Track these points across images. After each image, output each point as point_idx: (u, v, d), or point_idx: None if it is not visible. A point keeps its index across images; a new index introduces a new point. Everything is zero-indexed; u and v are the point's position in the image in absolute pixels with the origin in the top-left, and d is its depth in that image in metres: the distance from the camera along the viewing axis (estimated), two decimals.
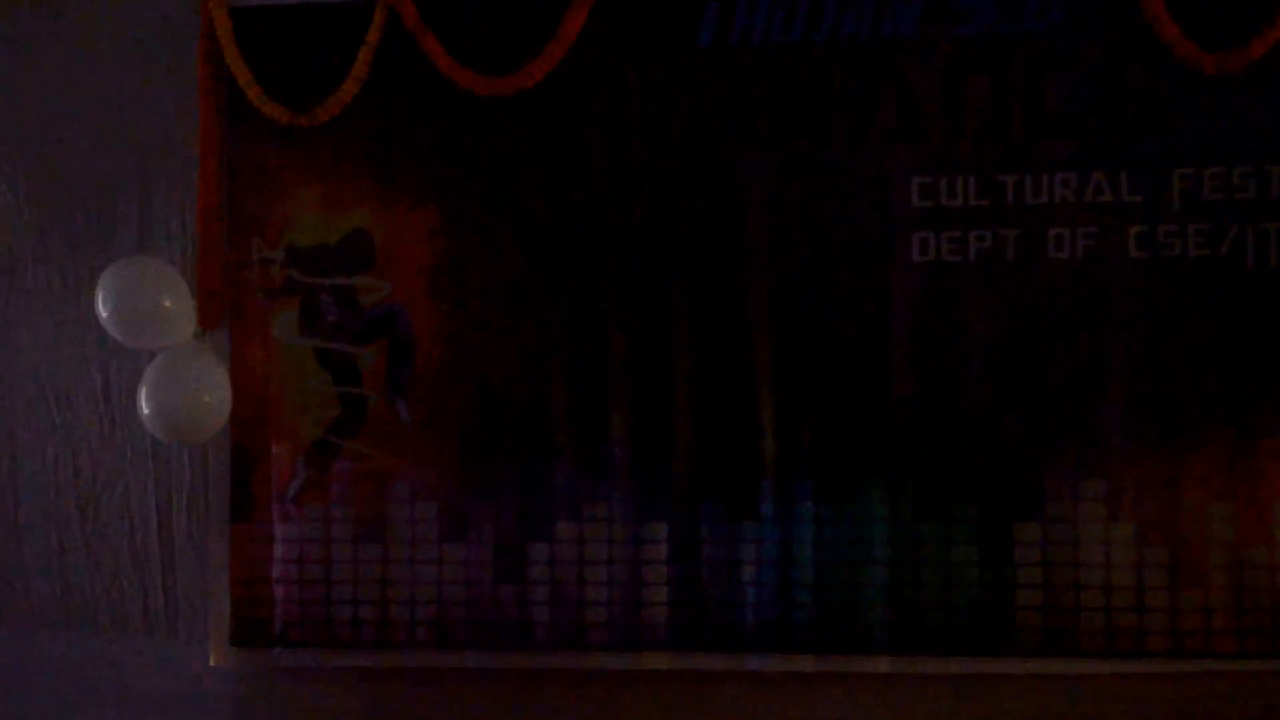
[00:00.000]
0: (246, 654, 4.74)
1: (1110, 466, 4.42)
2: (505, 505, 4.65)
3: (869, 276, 4.54)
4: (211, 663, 4.75)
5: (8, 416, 4.90)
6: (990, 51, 4.50)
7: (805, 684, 4.55)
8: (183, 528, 4.82)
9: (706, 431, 4.59)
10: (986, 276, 4.50)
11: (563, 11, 4.56)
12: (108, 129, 4.81)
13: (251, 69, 4.65)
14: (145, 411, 4.50)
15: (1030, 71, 4.49)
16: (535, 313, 4.66)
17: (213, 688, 4.77)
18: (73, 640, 4.87)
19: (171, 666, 4.81)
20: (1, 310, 4.91)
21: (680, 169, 4.61)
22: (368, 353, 4.71)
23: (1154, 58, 4.42)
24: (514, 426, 4.66)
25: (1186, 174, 4.43)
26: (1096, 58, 4.46)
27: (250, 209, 4.76)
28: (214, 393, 4.54)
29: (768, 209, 4.58)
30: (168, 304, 4.54)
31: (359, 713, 4.72)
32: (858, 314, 4.55)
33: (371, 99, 4.65)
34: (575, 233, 4.65)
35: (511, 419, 4.66)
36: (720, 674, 4.58)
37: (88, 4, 4.82)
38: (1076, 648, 4.42)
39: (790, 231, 4.57)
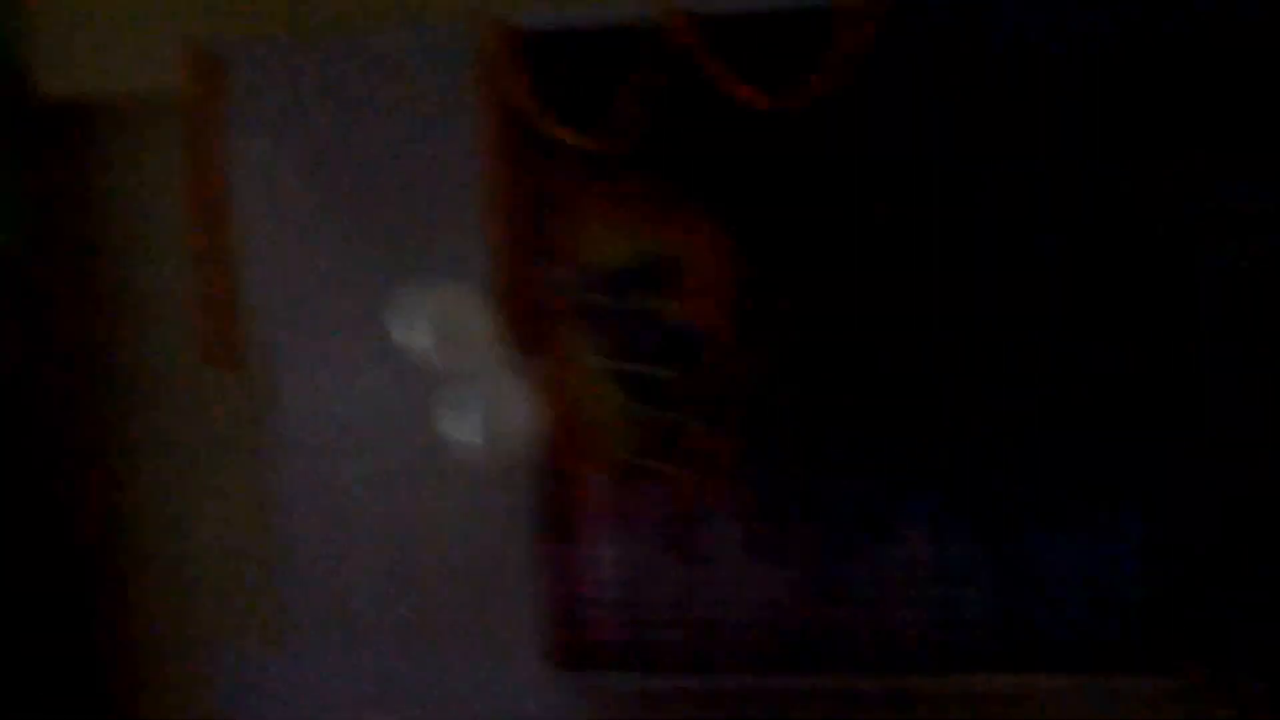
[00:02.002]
0: (565, 677, 4.79)
1: None
2: (817, 524, 4.60)
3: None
4: (531, 686, 4.82)
5: (322, 445, 4.96)
6: None
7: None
8: (498, 553, 4.84)
9: (1024, 444, 4.47)
10: None
11: (846, 22, 4.41)
12: (400, 158, 4.77)
13: (537, 93, 4.60)
14: (455, 437, 4.54)
15: None
16: (839, 330, 4.56)
17: (533, 711, 4.83)
18: (395, 661, 4.96)
19: (491, 690, 4.86)
20: (308, 340, 4.94)
21: (980, 180, 4.44)
22: (671, 374, 4.68)
23: None
24: (822, 445, 4.58)
25: None
26: None
27: (546, 234, 4.72)
28: (523, 417, 4.55)
29: (1077, 224, 4.42)
30: (471, 329, 4.55)
31: None
32: (1143, 330, 4.42)
33: (661, 119, 4.55)
34: (877, 249, 4.52)
35: (819, 437, 4.59)
36: (1047, 691, 4.51)
37: (378, 37, 4.77)
38: None
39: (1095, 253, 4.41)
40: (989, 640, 4.52)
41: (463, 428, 4.52)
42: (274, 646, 5.08)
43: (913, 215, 4.48)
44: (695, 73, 4.47)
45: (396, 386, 4.84)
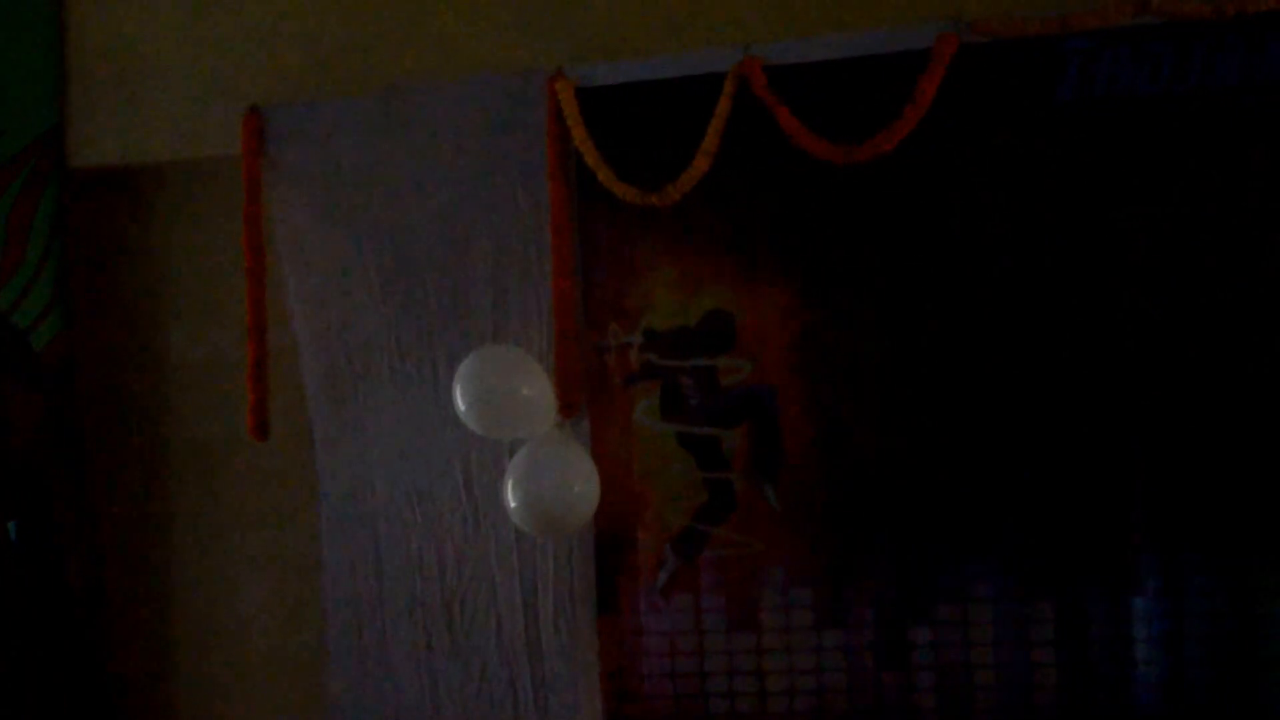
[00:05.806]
0: None
1: None
2: (883, 588, 4.49)
3: (1256, 339, 4.30)
4: None
5: (370, 512, 4.84)
6: None
7: None
8: (549, 621, 4.69)
9: (1089, 506, 4.38)
10: None
11: (917, 75, 4.38)
12: (458, 216, 4.72)
13: (600, 149, 4.55)
14: (512, 504, 4.43)
15: None
16: (904, 388, 4.48)
17: None
18: None
19: None
20: (359, 404, 4.84)
21: (1046, 230, 4.41)
22: (732, 435, 4.59)
23: None
24: (887, 506, 4.49)
25: None
26: None
27: (606, 293, 4.66)
28: (582, 483, 4.44)
29: (1143, 269, 4.36)
30: (526, 393, 4.47)
31: None
32: (1247, 378, 4.29)
33: (724, 174, 4.50)
34: (941, 303, 4.46)
35: (883, 498, 4.49)
36: None
37: (434, 92, 4.75)
38: None
39: (1168, 294, 4.35)
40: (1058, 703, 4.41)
41: (516, 495, 4.42)
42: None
43: (980, 268, 4.44)
44: (766, 127, 4.43)
45: (451, 452, 4.74)
